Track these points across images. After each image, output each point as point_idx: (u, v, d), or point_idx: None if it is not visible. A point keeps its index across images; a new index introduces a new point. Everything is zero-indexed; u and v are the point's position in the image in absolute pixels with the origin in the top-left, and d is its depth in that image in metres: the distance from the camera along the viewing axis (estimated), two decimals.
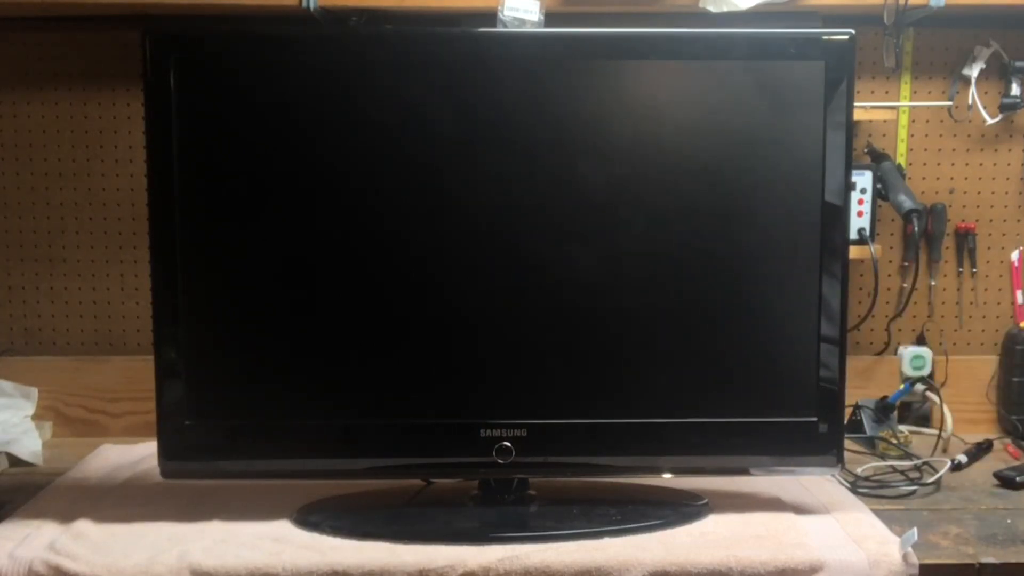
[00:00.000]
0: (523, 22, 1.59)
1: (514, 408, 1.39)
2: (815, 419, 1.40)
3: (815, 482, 1.54)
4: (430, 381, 1.39)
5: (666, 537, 1.32)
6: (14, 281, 1.91)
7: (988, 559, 1.29)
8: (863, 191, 1.82)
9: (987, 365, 1.94)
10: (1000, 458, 1.73)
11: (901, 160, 1.91)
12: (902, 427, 1.83)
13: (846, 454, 1.44)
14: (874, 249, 1.82)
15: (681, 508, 1.42)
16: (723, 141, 1.36)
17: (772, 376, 1.40)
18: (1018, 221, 1.94)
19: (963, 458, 1.66)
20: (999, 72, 1.89)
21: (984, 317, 1.95)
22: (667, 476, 1.45)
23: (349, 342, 1.38)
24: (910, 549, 1.26)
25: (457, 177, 1.36)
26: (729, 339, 1.39)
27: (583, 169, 1.36)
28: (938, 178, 1.93)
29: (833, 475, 1.56)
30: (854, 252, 1.78)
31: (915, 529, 1.28)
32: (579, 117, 1.36)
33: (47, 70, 1.87)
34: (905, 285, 1.93)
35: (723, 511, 1.41)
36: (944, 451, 1.73)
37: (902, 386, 1.85)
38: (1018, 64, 1.86)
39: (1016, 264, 1.94)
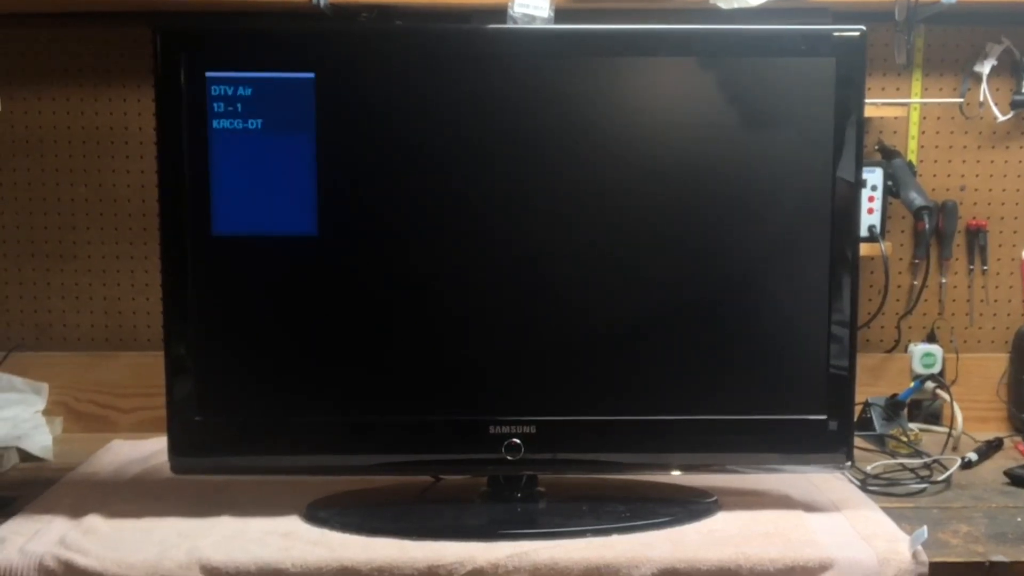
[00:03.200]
0: (533, 18, 1.59)
1: (523, 405, 1.39)
2: (825, 417, 1.40)
3: (824, 480, 1.54)
4: (439, 378, 1.39)
5: (675, 534, 1.32)
6: (25, 277, 1.92)
7: (998, 557, 1.28)
8: (874, 188, 1.82)
9: (998, 363, 1.93)
10: (1011, 456, 1.72)
11: (912, 157, 1.91)
12: (912, 425, 1.82)
13: (856, 452, 1.44)
14: (884, 246, 1.81)
15: (690, 505, 1.42)
16: (733, 137, 1.36)
17: (782, 373, 1.40)
18: None
19: (973, 456, 1.65)
20: (1011, 69, 1.88)
21: (995, 315, 1.95)
22: (676, 473, 1.45)
23: (359, 338, 1.38)
24: (920, 547, 1.26)
25: (467, 173, 1.36)
26: (739, 336, 1.39)
27: (593, 165, 1.36)
28: (949, 175, 1.92)
29: (843, 473, 1.56)
30: (864, 249, 1.77)
31: (925, 527, 1.28)
32: (588, 114, 1.36)
33: (58, 66, 1.87)
34: (916, 282, 1.93)
35: (732, 509, 1.41)
36: (954, 449, 1.72)
37: (912, 384, 1.85)
38: None
39: None
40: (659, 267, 1.38)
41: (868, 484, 1.55)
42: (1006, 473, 1.59)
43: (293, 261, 1.37)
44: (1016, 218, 1.93)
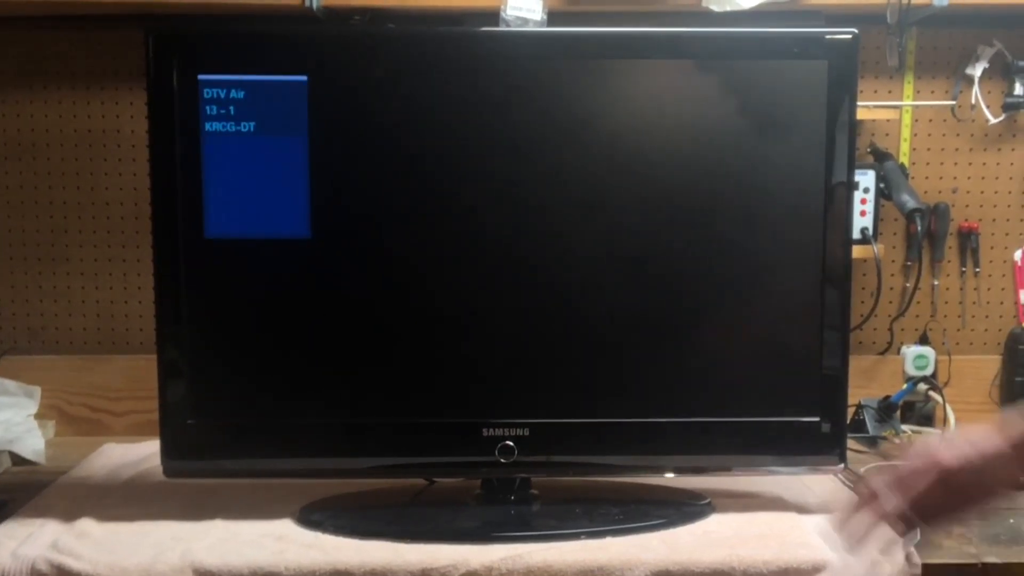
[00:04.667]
0: (526, 21, 1.59)
1: (516, 407, 1.39)
2: (818, 419, 1.40)
3: (818, 481, 1.54)
4: (433, 380, 1.39)
5: (669, 536, 1.32)
6: (17, 280, 1.91)
7: (991, 559, 1.29)
8: (866, 190, 1.82)
9: (990, 365, 1.93)
10: None
11: (904, 160, 1.91)
12: (905, 427, 1.82)
13: (849, 453, 1.44)
14: (877, 249, 1.82)
15: (684, 507, 1.42)
16: (726, 140, 1.36)
17: (775, 376, 1.40)
18: (1021, 220, 1.93)
19: None
20: (1002, 71, 1.89)
21: (987, 317, 1.95)
22: (670, 475, 1.45)
23: (351, 341, 1.38)
24: (913, 549, 1.26)
25: (460, 176, 1.36)
26: (732, 338, 1.40)
27: (587, 168, 1.36)
28: (941, 177, 1.93)
29: (836, 475, 1.56)
30: (857, 252, 1.77)
31: (918, 529, 1.28)
32: (582, 116, 1.36)
33: (50, 69, 1.87)
34: (908, 285, 1.93)
35: (726, 511, 1.41)
36: None
37: (905, 386, 1.85)
38: (1021, 63, 1.85)
39: (1019, 263, 1.93)
40: (652, 269, 1.38)
41: None
42: None
43: (286, 264, 1.37)
44: (1008, 220, 1.93)
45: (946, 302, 1.95)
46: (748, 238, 1.38)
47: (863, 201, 1.82)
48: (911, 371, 1.88)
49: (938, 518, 1.17)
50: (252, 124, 1.35)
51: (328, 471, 1.44)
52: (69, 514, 1.40)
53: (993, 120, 1.89)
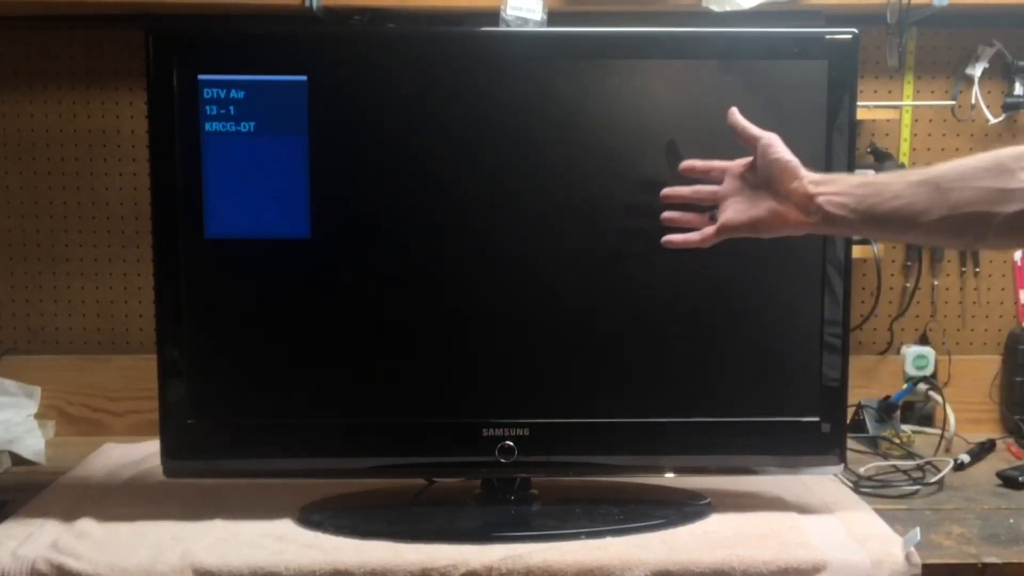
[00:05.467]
0: (526, 21, 1.59)
1: (516, 407, 1.39)
2: (818, 419, 1.40)
3: (818, 482, 1.54)
4: (433, 380, 1.39)
5: (669, 536, 1.32)
6: (17, 280, 1.91)
7: (991, 559, 1.29)
8: None
9: (990, 365, 1.93)
10: (1003, 458, 1.73)
11: (904, 160, 1.91)
12: (905, 427, 1.82)
13: (849, 454, 1.44)
14: (877, 248, 1.82)
15: (684, 507, 1.42)
16: (727, 140, 1.36)
17: (775, 376, 1.40)
18: None
19: (966, 458, 1.66)
20: (1002, 71, 1.89)
21: (987, 317, 1.95)
22: (670, 476, 1.45)
23: (352, 341, 1.38)
24: (913, 549, 1.26)
25: (460, 176, 1.37)
26: (732, 339, 1.40)
27: (586, 168, 1.36)
28: None
29: (836, 475, 1.56)
30: (857, 251, 1.77)
31: (918, 529, 1.28)
32: (581, 116, 1.36)
33: (50, 69, 1.87)
34: (908, 284, 1.93)
35: (726, 511, 1.41)
36: (947, 451, 1.73)
37: (905, 386, 1.85)
38: (1021, 63, 1.85)
39: (1019, 264, 1.93)
40: (652, 269, 1.38)
41: (861, 486, 1.55)
42: (999, 475, 1.59)
43: (286, 264, 1.37)
44: None
45: (946, 302, 1.95)
46: (748, 239, 1.38)
47: None
48: (911, 371, 1.88)
49: (737, 203, 1.27)
50: (252, 124, 1.35)
51: (328, 471, 1.44)
52: (69, 514, 1.40)
53: (993, 120, 1.89)
